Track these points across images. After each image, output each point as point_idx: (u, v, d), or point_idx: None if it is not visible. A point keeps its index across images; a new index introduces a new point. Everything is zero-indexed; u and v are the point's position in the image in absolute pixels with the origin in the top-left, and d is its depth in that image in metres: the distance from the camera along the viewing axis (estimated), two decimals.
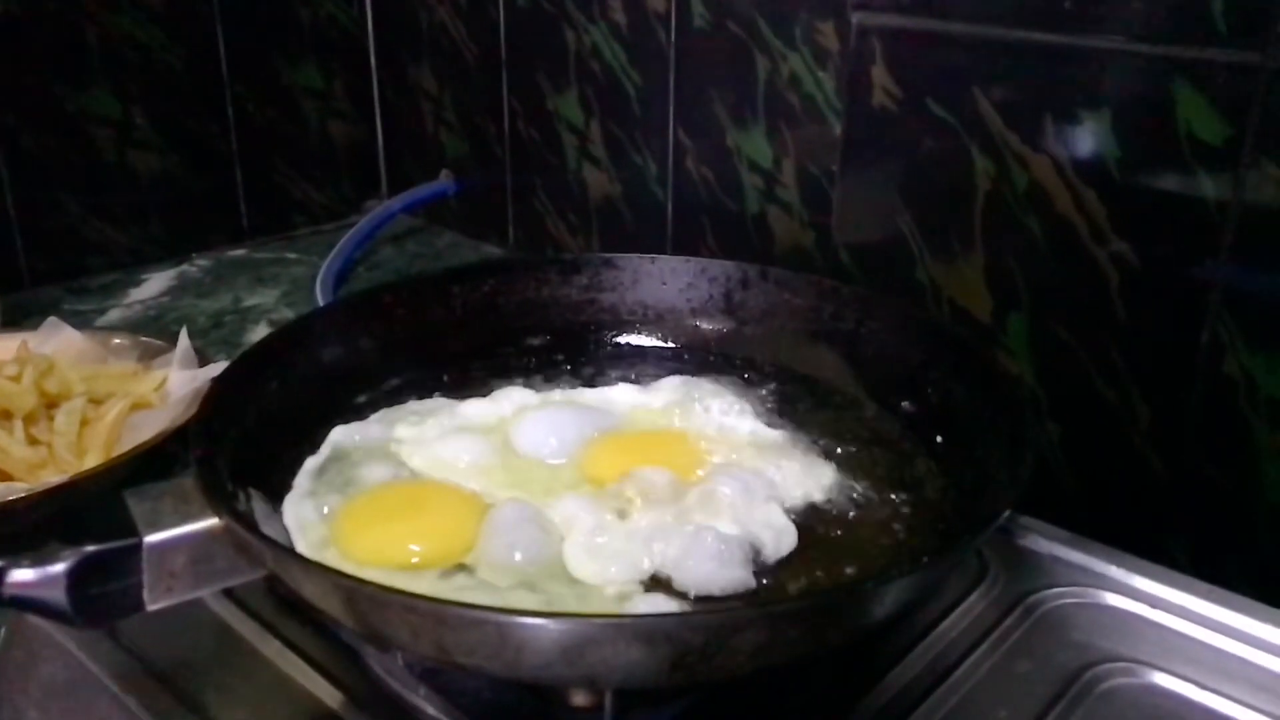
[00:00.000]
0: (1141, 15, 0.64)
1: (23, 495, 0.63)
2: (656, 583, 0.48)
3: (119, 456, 0.69)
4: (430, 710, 0.48)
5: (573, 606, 0.46)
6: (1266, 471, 0.64)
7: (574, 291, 0.70)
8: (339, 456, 0.56)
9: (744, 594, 0.48)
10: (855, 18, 0.79)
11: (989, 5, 0.71)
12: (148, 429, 0.72)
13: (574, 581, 0.48)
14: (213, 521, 0.43)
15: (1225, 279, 0.64)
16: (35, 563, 0.40)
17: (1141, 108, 0.65)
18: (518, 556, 0.48)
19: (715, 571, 0.47)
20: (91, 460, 0.70)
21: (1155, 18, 0.64)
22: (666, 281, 0.70)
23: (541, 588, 0.47)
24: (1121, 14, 0.65)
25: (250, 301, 1.05)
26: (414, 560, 0.48)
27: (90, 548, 0.41)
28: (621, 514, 0.51)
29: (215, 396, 0.53)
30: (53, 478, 0.67)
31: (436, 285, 0.69)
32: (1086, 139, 0.68)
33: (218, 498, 0.44)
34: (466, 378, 0.66)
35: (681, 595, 0.47)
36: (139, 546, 0.42)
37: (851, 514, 0.54)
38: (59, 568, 0.40)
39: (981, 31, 0.72)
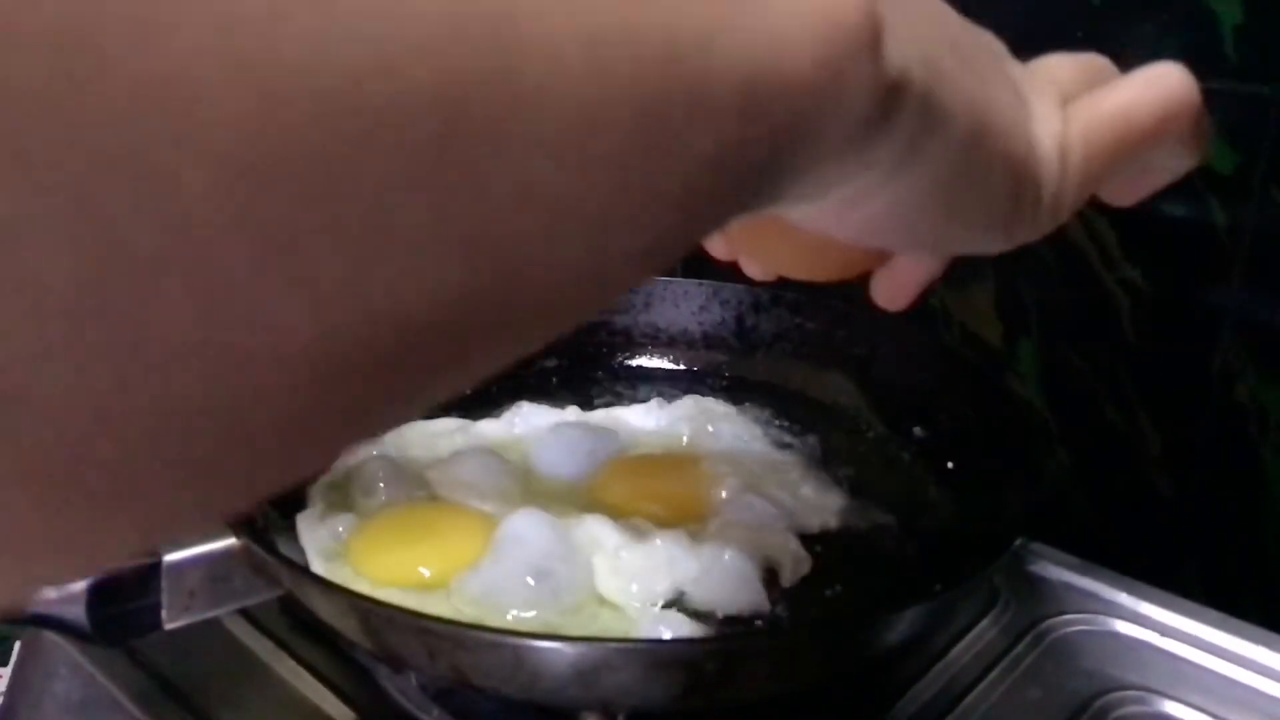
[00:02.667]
0: (1151, 44, 0.65)
1: None
2: (674, 601, 0.48)
3: None
4: None
5: (593, 622, 0.46)
6: (1277, 498, 0.65)
7: None
8: (353, 475, 0.56)
9: (759, 616, 0.48)
10: None
11: (1000, 33, 0.71)
12: None
13: (594, 597, 0.48)
14: (231, 541, 0.43)
15: (1236, 306, 0.64)
16: None
17: None
18: (529, 579, 0.48)
19: (733, 594, 0.48)
20: None
21: (1165, 47, 0.64)
22: (679, 304, 0.70)
23: (560, 602, 0.47)
24: (1132, 43, 0.66)
25: None
26: (430, 579, 0.48)
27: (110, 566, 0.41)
28: (640, 534, 0.51)
29: None
30: None
31: None
32: None
33: (236, 517, 0.44)
34: (480, 397, 0.66)
35: (698, 615, 0.47)
36: (158, 565, 0.42)
37: (864, 539, 0.54)
38: (79, 586, 0.40)
39: None
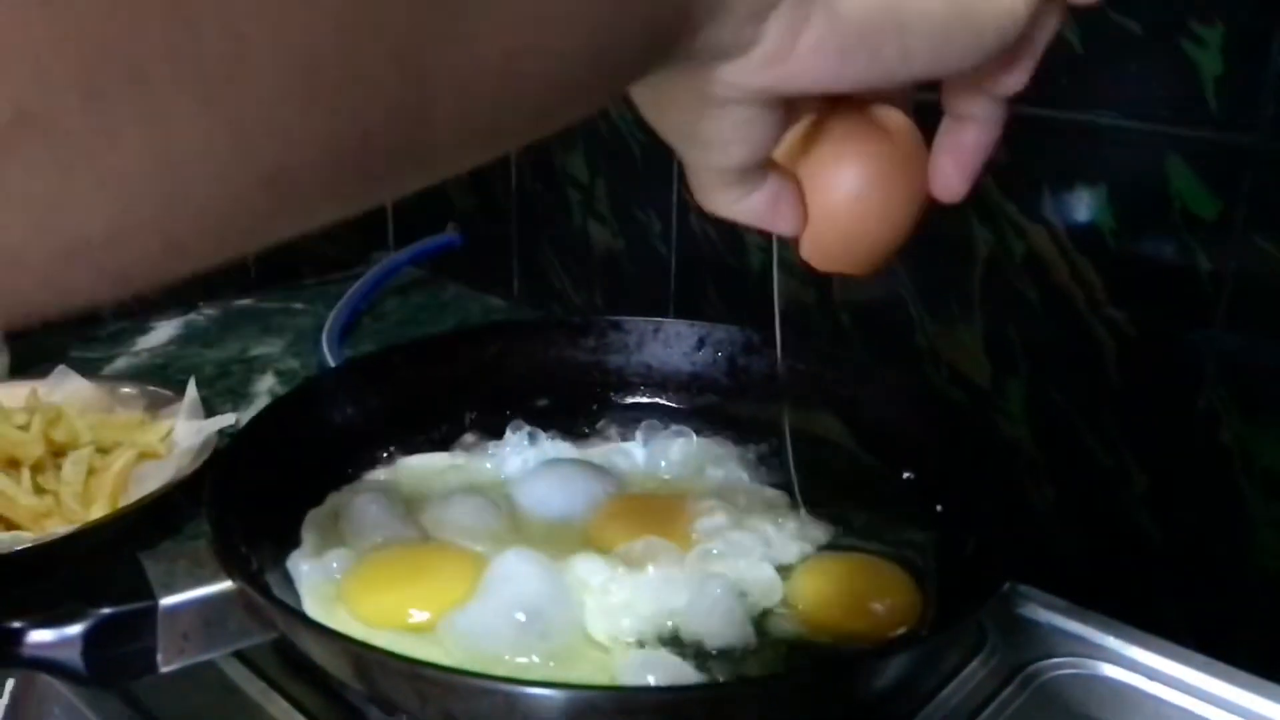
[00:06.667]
0: (1136, 92, 0.66)
1: (29, 545, 0.64)
2: (663, 637, 0.49)
3: (125, 507, 0.69)
4: None
5: (583, 664, 0.47)
6: (1261, 541, 0.65)
7: (581, 353, 0.71)
8: (344, 514, 0.57)
9: (748, 650, 0.48)
10: None
11: None
12: (154, 480, 0.72)
13: (584, 638, 0.49)
14: (226, 584, 0.44)
15: (1219, 348, 0.65)
16: (52, 624, 0.41)
17: (1136, 181, 0.67)
18: (518, 618, 0.48)
19: (721, 627, 0.48)
20: (98, 510, 0.70)
21: (1149, 95, 0.66)
22: (671, 345, 0.71)
23: (549, 643, 0.48)
24: (1116, 91, 0.67)
25: (256, 351, 1.06)
26: (424, 623, 0.48)
27: (106, 610, 0.41)
28: (629, 569, 0.51)
29: (228, 457, 0.54)
30: (59, 528, 0.67)
31: (445, 346, 0.70)
32: (1083, 210, 0.70)
33: (232, 561, 0.44)
34: (473, 437, 0.66)
35: (686, 650, 0.48)
36: (154, 609, 0.42)
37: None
38: (76, 629, 0.41)
39: None
